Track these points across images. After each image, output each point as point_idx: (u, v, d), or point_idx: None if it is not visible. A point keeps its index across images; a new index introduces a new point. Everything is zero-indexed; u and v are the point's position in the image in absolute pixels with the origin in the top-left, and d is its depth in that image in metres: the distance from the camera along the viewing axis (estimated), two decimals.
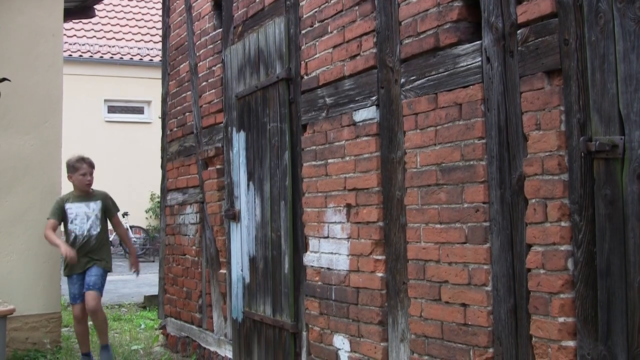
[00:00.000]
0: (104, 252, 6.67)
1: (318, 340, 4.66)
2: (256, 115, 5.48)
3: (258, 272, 5.44)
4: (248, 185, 5.64)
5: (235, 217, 5.87)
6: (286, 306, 5.02)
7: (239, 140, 5.81)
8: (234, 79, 5.91)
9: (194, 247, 6.82)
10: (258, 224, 5.45)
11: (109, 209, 6.78)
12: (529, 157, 3.08)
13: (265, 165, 5.32)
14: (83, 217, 6.59)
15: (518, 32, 3.16)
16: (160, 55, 8.35)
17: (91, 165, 6.70)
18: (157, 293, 8.31)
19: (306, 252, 4.83)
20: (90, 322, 6.73)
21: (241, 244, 5.78)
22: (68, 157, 6.74)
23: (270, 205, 5.25)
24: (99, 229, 6.61)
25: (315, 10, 4.71)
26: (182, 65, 7.19)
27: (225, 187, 6.17)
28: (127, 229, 18.57)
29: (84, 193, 6.65)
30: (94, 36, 20.32)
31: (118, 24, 21.15)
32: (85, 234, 6.54)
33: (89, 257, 6.52)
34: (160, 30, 8.37)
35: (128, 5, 21.97)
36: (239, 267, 5.81)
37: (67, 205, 6.61)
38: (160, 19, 8.40)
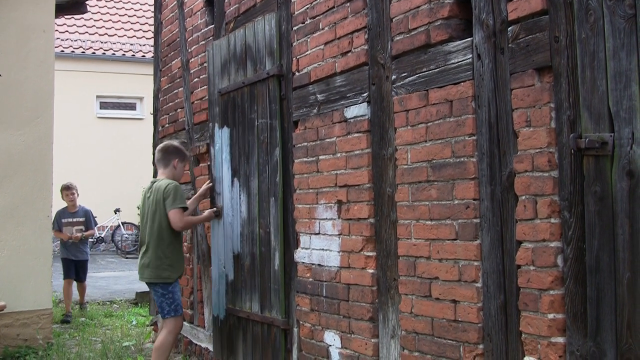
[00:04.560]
0: None
1: (309, 337, 4.67)
2: (242, 111, 5.45)
3: (244, 269, 5.42)
4: (232, 181, 5.62)
5: (218, 214, 5.82)
6: (276, 303, 5.01)
7: (222, 136, 5.78)
8: (217, 74, 5.88)
9: (185, 244, 6.80)
10: (244, 221, 5.43)
11: None
12: (519, 153, 3.09)
13: (253, 162, 5.29)
14: None
15: (509, 29, 3.16)
16: (152, 51, 8.33)
17: None
18: (148, 290, 8.29)
19: (297, 248, 4.83)
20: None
21: (224, 240, 5.75)
22: (172, 141, 6.10)
23: (258, 202, 5.24)
24: None
25: (307, 6, 4.70)
26: (174, 62, 7.18)
27: (211, 184, 6.15)
28: (119, 225, 18.56)
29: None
30: (86, 32, 20.25)
31: (110, 19, 21.08)
32: None
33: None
34: (152, 27, 8.35)
35: (120, 1, 21.90)
36: (221, 263, 5.80)
37: None
38: (152, 14, 8.38)
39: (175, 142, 6.11)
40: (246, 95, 5.39)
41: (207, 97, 6.29)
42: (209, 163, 6.30)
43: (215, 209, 5.88)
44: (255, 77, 5.24)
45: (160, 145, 5.95)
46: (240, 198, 5.49)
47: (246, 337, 5.41)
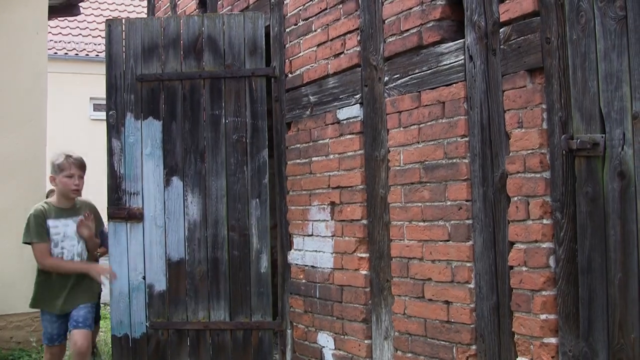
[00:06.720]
0: (92, 283, 5.08)
1: (302, 338, 4.66)
2: (192, 104, 5.11)
3: (192, 276, 5.04)
4: (168, 180, 5.10)
5: (132, 216, 5.15)
6: (261, 306, 4.86)
7: (142, 128, 5.20)
8: (131, 57, 5.28)
9: None
10: (195, 224, 5.04)
11: (97, 225, 5.25)
12: (511, 155, 3.09)
13: (217, 161, 5.02)
14: (73, 237, 4.93)
15: (500, 30, 3.17)
16: None
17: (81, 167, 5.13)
18: None
19: (290, 250, 4.83)
20: None
21: (144, 247, 5.13)
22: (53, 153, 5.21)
23: (226, 204, 4.99)
24: (87, 253, 5.06)
25: (300, 8, 4.71)
26: None
27: (109, 182, 5.35)
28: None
29: (70, 203, 5.00)
30: (80, 34, 20.21)
31: (104, 21, 21.04)
32: (75, 259, 4.95)
33: (73, 292, 4.90)
34: None
35: (114, 2, 21.88)
36: (136, 273, 5.13)
37: (50, 223, 4.85)
38: (145, 16, 8.36)
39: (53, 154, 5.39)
40: (203, 88, 5.09)
41: (112, 83, 5.30)
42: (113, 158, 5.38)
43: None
44: (226, 73, 5.03)
45: None
46: (186, 199, 5.08)
47: (198, 351, 5.02)
